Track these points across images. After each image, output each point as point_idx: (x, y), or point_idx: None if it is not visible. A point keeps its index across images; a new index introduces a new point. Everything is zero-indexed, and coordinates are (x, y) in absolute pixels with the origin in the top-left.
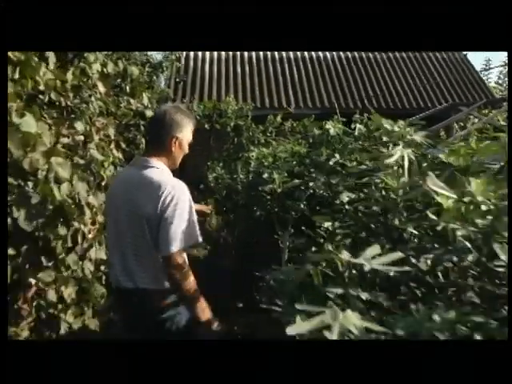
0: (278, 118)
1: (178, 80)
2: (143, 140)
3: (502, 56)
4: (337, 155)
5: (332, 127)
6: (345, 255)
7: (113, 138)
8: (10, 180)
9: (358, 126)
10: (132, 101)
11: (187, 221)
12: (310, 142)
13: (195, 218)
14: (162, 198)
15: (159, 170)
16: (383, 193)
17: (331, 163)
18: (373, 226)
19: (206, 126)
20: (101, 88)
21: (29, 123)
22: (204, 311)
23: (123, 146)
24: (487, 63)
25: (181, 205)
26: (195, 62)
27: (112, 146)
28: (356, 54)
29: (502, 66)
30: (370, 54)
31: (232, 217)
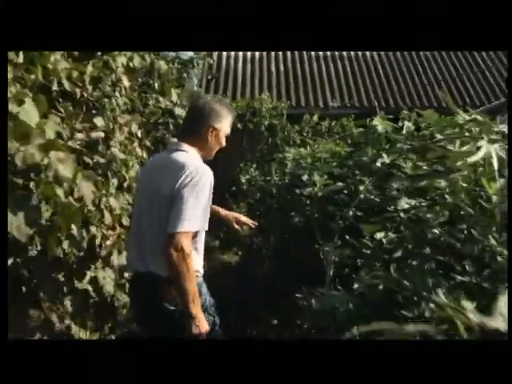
0: (315, 118)
1: (209, 77)
2: (172, 140)
3: None
4: (384, 155)
5: (379, 124)
6: (471, 313)
7: (138, 135)
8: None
9: (406, 123)
10: (161, 99)
11: (202, 205)
12: (350, 141)
13: (209, 206)
14: (183, 178)
15: (188, 154)
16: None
17: (378, 164)
18: (459, 245)
19: (239, 125)
20: (125, 82)
21: (28, 112)
22: (196, 311)
23: (148, 144)
24: None
25: (200, 187)
26: (228, 60)
27: (135, 144)
28: (398, 51)
29: None
30: (413, 52)
31: (266, 221)
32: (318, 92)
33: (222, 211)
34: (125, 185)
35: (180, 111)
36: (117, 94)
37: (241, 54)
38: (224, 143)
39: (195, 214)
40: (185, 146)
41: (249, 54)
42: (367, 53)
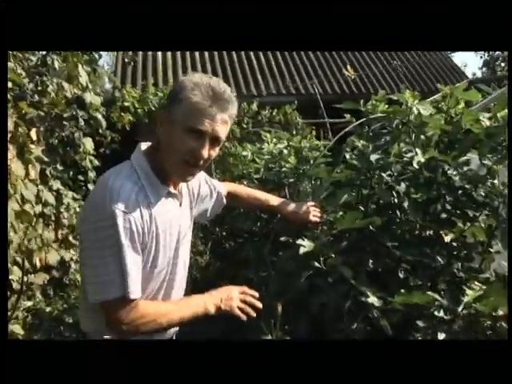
0: (254, 106)
1: (127, 60)
2: (84, 140)
3: None
4: (418, 151)
5: (421, 106)
6: None
7: (21, 139)
8: None
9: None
10: (66, 85)
11: (116, 255)
12: (367, 132)
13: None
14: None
15: (125, 162)
16: None
17: (415, 164)
18: None
19: None
20: None
21: None
22: (200, 309)
23: (38, 152)
24: None
25: (92, 224)
26: None
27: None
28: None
29: None
30: None
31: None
32: (249, 79)
33: (273, 201)
34: None
35: (94, 98)
36: None
37: None
38: (190, 147)
39: (101, 277)
40: (139, 147)
41: None
42: None
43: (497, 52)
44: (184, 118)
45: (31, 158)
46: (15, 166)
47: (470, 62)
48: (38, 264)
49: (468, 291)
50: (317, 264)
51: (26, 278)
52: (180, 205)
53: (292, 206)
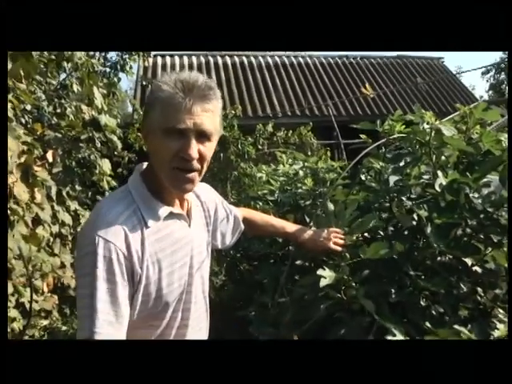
0: (269, 127)
1: (145, 83)
2: (101, 161)
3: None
4: (440, 173)
5: (444, 125)
6: None
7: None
8: None
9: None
10: (84, 107)
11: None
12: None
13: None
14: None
15: (116, 191)
16: None
17: (437, 187)
18: None
19: None
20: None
21: None
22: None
23: (38, 173)
24: (458, 69)
25: (81, 264)
26: (164, 68)
27: (11, 179)
28: (338, 59)
29: (474, 69)
30: (353, 60)
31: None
32: (265, 100)
33: (290, 228)
34: None
35: (109, 120)
36: None
37: (177, 61)
38: (173, 151)
39: (90, 316)
40: (137, 168)
41: (186, 60)
42: (309, 61)
43: (502, 76)
44: (160, 120)
45: (37, 181)
46: (18, 190)
47: (477, 85)
48: (46, 289)
49: (499, 325)
50: (337, 294)
51: (34, 301)
52: (189, 226)
53: (309, 233)
